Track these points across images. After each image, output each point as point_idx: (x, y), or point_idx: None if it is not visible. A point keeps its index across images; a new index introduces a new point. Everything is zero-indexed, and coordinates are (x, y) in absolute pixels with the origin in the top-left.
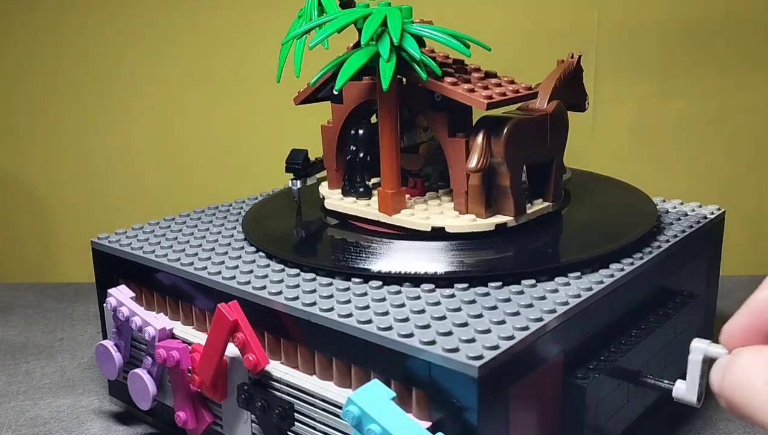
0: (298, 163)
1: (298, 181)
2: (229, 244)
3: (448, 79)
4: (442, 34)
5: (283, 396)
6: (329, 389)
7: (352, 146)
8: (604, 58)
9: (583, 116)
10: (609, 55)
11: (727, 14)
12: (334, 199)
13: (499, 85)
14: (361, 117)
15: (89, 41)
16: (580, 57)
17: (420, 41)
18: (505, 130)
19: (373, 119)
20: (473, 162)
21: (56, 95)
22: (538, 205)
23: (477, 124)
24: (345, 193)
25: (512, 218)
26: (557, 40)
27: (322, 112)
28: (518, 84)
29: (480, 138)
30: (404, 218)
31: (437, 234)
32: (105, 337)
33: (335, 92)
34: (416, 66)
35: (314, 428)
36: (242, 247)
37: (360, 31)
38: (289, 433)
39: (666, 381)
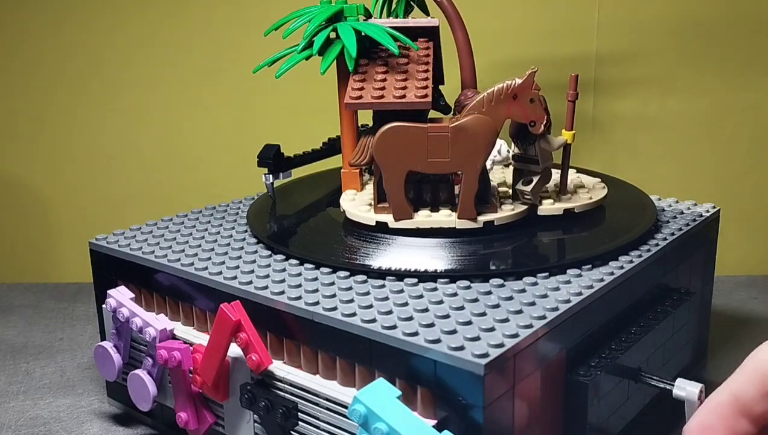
0: (270, 158)
1: (271, 176)
2: (229, 243)
3: (356, 76)
4: (346, 31)
5: (287, 395)
6: (333, 388)
7: None
8: (604, 57)
9: (584, 116)
10: (609, 54)
11: (726, 14)
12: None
13: (404, 88)
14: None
15: (89, 44)
16: (533, 74)
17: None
18: (377, 134)
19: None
20: (351, 157)
21: (57, 96)
22: (439, 217)
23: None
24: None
25: (391, 219)
26: (557, 39)
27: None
28: (421, 91)
29: (364, 137)
30: (343, 197)
31: (439, 231)
32: (103, 339)
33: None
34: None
35: (318, 427)
36: (242, 247)
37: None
38: (292, 432)
39: (666, 379)
